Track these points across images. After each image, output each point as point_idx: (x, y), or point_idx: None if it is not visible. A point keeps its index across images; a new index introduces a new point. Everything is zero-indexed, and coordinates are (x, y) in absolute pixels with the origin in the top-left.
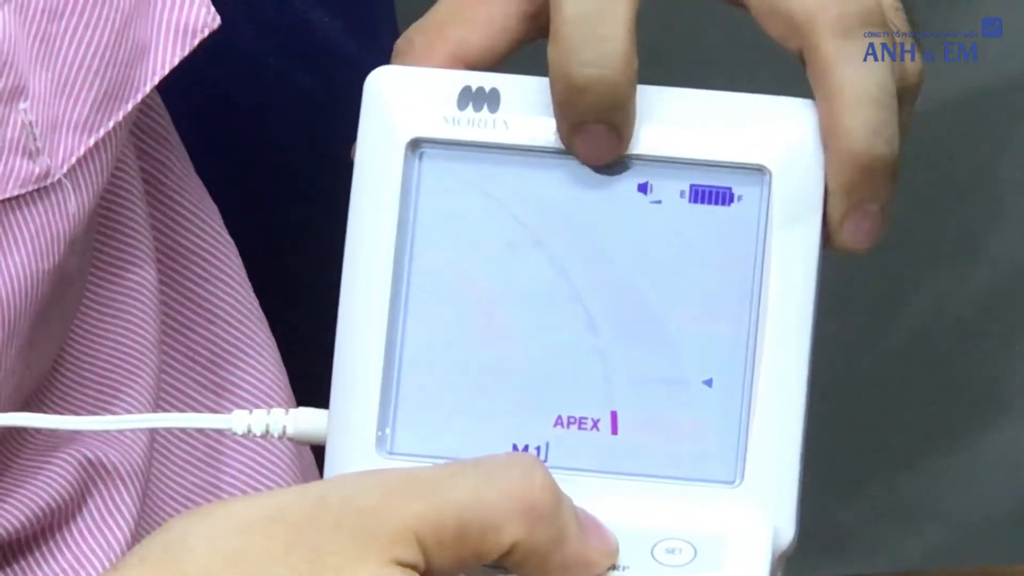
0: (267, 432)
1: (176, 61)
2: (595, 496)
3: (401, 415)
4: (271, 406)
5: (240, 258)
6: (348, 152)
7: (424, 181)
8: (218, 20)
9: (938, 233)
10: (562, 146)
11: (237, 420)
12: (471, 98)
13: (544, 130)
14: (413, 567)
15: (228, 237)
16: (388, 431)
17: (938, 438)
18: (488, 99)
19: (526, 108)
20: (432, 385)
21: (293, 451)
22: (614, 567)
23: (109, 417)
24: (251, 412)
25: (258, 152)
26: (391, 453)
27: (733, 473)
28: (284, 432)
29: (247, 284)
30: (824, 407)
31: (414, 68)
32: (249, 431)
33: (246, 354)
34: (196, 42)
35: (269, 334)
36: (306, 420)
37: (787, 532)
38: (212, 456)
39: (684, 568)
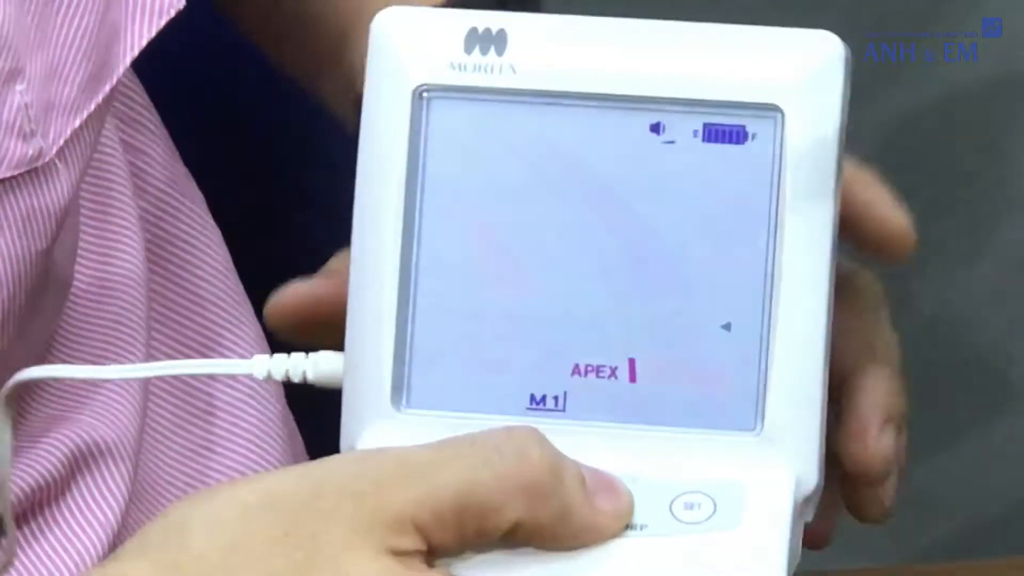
0: (287, 377)
1: (144, 43)
2: (613, 447)
3: (416, 369)
4: (259, 391)
5: (225, 245)
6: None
7: (432, 128)
8: (183, 1)
9: (942, 230)
10: (571, 89)
11: (258, 365)
12: (478, 40)
13: (552, 73)
14: (414, 553)
15: (213, 224)
16: (403, 386)
17: (947, 431)
18: (495, 41)
19: (534, 50)
20: (447, 337)
21: (285, 438)
22: (630, 526)
23: (132, 365)
24: (272, 356)
25: (252, 138)
26: (407, 406)
27: (753, 421)
28: (305, 377)
29: (233, 270)
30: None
31: (419, 10)
32: (269, 376)
33: (234, 339)
34: (163, 23)
35: (255, 319)
36: (327, 363)
37: (810, 479)
38: (205, 445)
39: (702, 525)
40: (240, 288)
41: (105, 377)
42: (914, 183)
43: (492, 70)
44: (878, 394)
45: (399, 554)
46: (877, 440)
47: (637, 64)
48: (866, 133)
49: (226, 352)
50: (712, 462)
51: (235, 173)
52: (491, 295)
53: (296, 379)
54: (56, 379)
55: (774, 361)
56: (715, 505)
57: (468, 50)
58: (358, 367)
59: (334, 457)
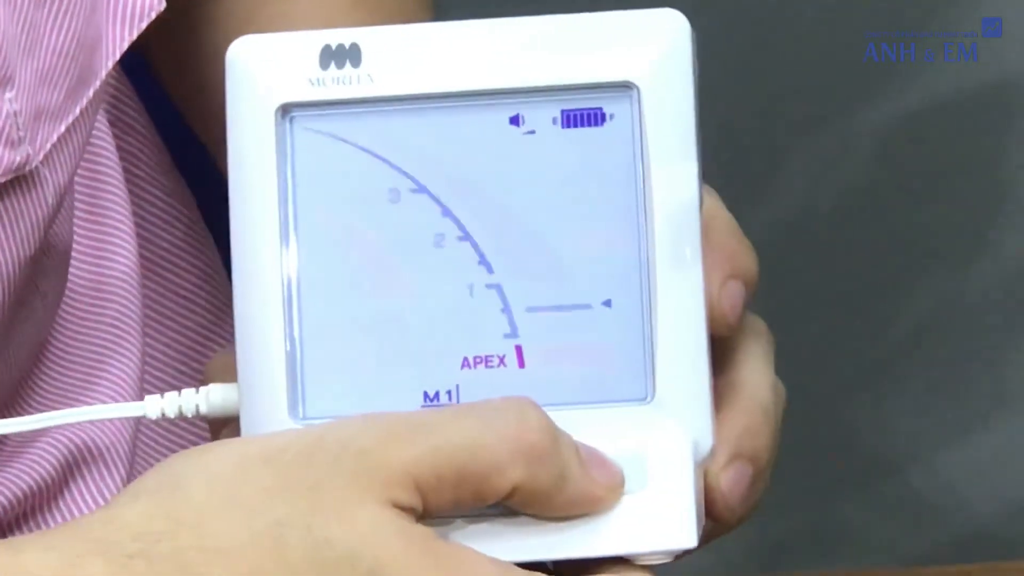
0: (181, 414)
1: (125, 46)
2: None
3: (309, 378)
4: None
5: (216, 248)
6: None
7: (298, 146)
8: (163, 4)
9: (940, 231)
10: (429, 91)
11: (151, 406)
12: (332, 56)
13: (409, 77)
14: (411, 510)
15: (203, 225)
16: (299, 396)
17: (943, 434)
18: (349, 55)
19: (388, 59)
20: (335, 344)
21: None
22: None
23: (22, 418)
24: (163, 396)
25: None
26: (304, 418)
27: (644, 390)
28: (198, 411)
29: (223, 274)
30: (829, 403)
31: (272, 35)
32: (163, 415)
33: (222, 339)
34: (143, 25)
35: None
36: (218, 396)
37: (705, 443)
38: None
39: None
40: (228, 289)
41: None
42: (913, 183)
43: (350, 81)
44: (727, 432)
45: (401, 508)
46: (716, 477)
47: (491, 60)
48: (866, 133)
49: (214, 353)
50: (610, 434)
51: (224, 175)
52: (374, 300)
53: (190, 414)
54: None
55: (658, 330)
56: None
57: (324, 66)
58: (253, 383)
59: (332, 421)
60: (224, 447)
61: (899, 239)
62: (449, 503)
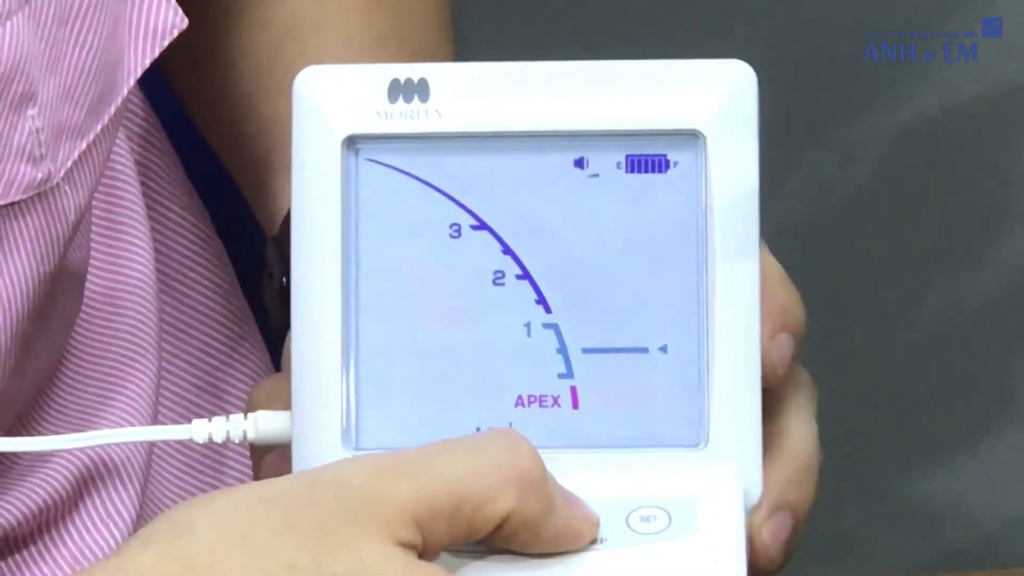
0: (228, 438)
1: (147, 63)
2: (563, 472)
3: (363, 409)
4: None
5: (229, 262)
6: None
7: (363, 177)
8: (185, 21)
9: (944, 235)
10: (496, 129)
11: (197, 429)
12: (401, 90)
13: (476, 115)
14: (413, 547)
15: (218, 241)
16: (352, 426)
17: (948, 442)
18: (418, 89)
19: (456, 95)
20: (391, 377)
21: None
22: (594, 540)
23: (71, 436)
24: (210, 420)
25: None
26: (357, 448)
27: (698, 436)
28: (245, 437)
29: (237, 287)
30: (834, 411)
31: (341, 66)
32: (210, 439)
33: (239, 355)
34: (165, 43)
35: (259, 336)
36: (267, 423)
37: (755, 491)
38: (215, 460)
39: (660, 535)
40: (244, 305)
41: (38, 449)
42: (913, 184)
43: (417, 116)
44: (771, 482)
45: (404, 545)
46: (758, 528)
47: (558, 101)
48: (865, 132)
49: (232, 370)
50: (661, 478)
51: (238, 189)
52: (431, 334)
53: (237, 440)
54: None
55: (714, 378)
56: (670, 517)
57: (392, 99)
58: (307, 411)
59: (327, 464)
60: (228, 493)
61: (901, 241)
62: (445, 538)
